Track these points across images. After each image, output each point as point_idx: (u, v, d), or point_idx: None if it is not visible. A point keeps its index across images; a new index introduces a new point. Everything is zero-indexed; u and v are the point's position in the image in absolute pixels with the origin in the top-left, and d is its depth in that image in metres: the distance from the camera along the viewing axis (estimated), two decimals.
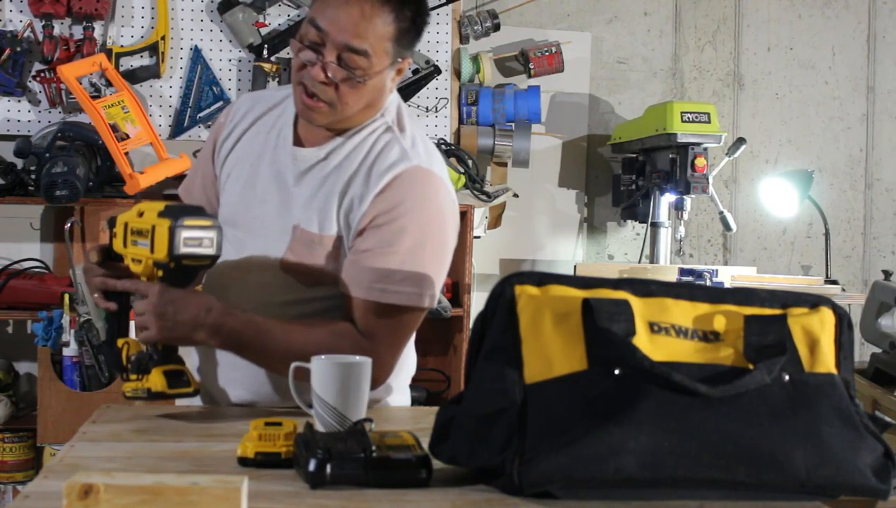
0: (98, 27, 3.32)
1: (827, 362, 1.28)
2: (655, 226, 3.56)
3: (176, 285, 1.62)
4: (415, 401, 3.28)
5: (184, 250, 1.57)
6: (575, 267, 3.49)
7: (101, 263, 1.73)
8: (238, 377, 1.80)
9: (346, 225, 1.75)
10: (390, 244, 1.71)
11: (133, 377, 1.63)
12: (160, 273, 1.61)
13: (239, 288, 1.80)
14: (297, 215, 1.78)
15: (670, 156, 3.41)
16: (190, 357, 1.87)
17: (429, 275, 1.74)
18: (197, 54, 3.41)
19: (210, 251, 1.59)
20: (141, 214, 1.63)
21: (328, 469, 1.23)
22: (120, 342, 1.69)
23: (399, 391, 1.90)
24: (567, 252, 3.84)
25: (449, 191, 1.80)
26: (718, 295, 1.30)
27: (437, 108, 3.57)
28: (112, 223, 1.70)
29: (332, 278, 1.77)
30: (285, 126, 1.85)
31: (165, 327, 1.62)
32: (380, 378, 1.70)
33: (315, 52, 1.70)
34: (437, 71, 3.49)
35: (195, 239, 1.57)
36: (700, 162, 3.35)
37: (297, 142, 1.83)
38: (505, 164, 3.64)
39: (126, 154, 3.08)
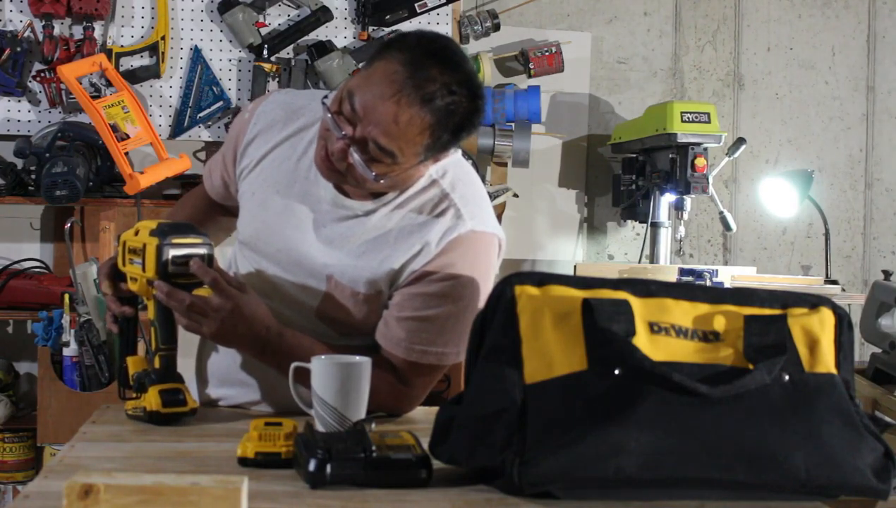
0: (98, 27, 3.32)
1: (827, 362, 1.28)
2: (655, 226, 3.56)
3: None
4: None
5: (172, 268, 1.57)
6: (575, 267, 3.49)
7: (113, 284, 1.72)
8: (243, 379, 1.80)
9: (389, 284, 1.70)
10: (432, 307, 1.67)
11: (133, 395, 1.64)
12: (154, 291, 1.61)
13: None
14: (333, 265, 1.71)
15: (670, 156, 3.41)
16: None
17: (466, 334, 1.69)
18: (197, 54, 3.41)
19: None
20: (137, 232, 1.64)
21: (328, 469, 1.23)
22: (128, 360, 1.69)
23: None
24: (567, 252, 3.84)
25: (496, 244, 1.74)
26: (718, 295, 1.30)
27: None
28: (119, 240, 1.72)
29: (367, 329, 1.74)
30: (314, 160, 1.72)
31: (222, 334, 1.63)
32: (406, 411, 1.77)
33: (343, 124, 1.59)
34: None
35: (183, 257, 1.58)
36: (700, 162, 3.35)
37: (338, 186, 1.73)
38: (505, 164, 3.64)
39: (126, 154, 3.08)
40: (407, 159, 1.60)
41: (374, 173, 1.60)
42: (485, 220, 1.72)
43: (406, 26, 3.51)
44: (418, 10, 3.47)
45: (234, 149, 1.88)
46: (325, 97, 1.64)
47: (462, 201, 1.70)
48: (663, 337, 1.25)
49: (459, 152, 1.79)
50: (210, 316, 1.60)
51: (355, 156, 1.59)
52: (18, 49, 3.23)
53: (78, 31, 3.30)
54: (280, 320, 1.70)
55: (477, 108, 1.62)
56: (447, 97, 1.57)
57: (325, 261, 1.72)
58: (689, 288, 1.31)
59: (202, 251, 1.59)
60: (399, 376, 1.72)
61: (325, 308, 1.73)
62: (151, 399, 1.59)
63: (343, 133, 1.59)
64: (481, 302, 1.65)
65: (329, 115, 1.60)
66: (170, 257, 1.57)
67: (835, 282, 3.51)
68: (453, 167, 1.74)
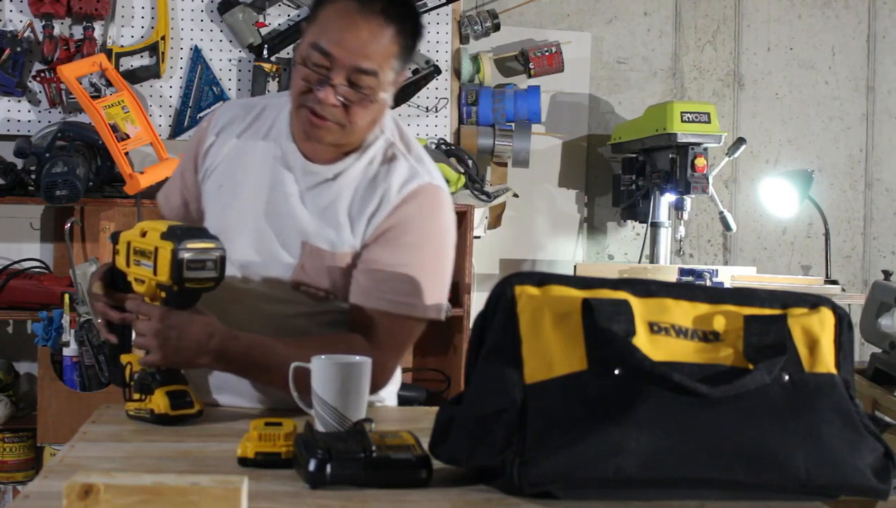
0: (98, 27, 3.32)
1: (827, 362, 1.28)
2: (655, 226, 3.56)
3: (179, 307, 1.61)
4: (415, 401, 3.31)
5: (187, 274, 1.56)
6: (575, 267, 3.49)
7: (106, 286, 1.71)
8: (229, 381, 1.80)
9: (358, 239, 1.77)
10: (404, 258, 1.74)
11: (136, 396, 1.62)
12: (163, 294, 1.60)
13: (249, 302, 1.79)
14: (308, 231, 1.77)
15: (670, 156, 3.41)
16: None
17: (438, 289, 1.79)
18: (197, 54, 3.41)
19: (213, 274, 1.58)
20: (144, 234, 1.62)
21: (328, 469, 1.23)
22: (123, 359, 1.68)
23: (388, 399, 1.96)
24: (567, 252, 3.84)
25: (452, 206, 1.84)
26: (718, 295, 1.30)
27: (437, 108, 3.57)
28: (115, 239, 1.69)
29: (342, 293, 1.79)
30: (284, 140, 1.81)
31: (168, 352, 1.61)
32: (380, 383, 1.74)
33: (321, 75, 1.68)
34: (437, 71, 3.49)
35: (198, 261, 1.57)
36: (700, 162, 3.35)
37: (306, 154, 1.81)
38: (505, 164, 3.64)
39: (126, 154, 3.08)
40: (386, 75, 1.71)
41: (367, 93, 1.69)
42: (435, 175, 1.82)
43: None
44: (418, 10, 3.46)
45: (193, 159, 1.91)
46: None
47: (409, 152, 1.82)
48: (663, 337, 1.25)
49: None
50: (147, 339, 1.60)
51: (341, 90, 1.68)
52: (18, 49, 3.23)
53: (78, 31, 3.30)
54: (257, 299, 1.76)
55: (418, 12, 1.81)
56: (397, 6, 1.72)
57: (301, 228, 1.77)
58: (689, 288, 1.31)
59: (216, 254, 1.58)
60: (371, 339, 1.74)
61: (301, 277, 1.78)
62: (159, 401, 1.58)
63: (326, 77, 1.68)
64: (447, 260, 1.81)
65: (305, 71, 1.69)
66: (185, 260, 1.55)
67: (835, 282, 3.51)
68: (390, 123, 1.85)
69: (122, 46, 3.35)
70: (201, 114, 3.41)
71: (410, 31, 1.74)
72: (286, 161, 1.81)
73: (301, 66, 1.71)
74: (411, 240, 1.75)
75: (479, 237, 3.50)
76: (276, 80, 3.40)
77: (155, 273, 1.58)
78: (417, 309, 1.76)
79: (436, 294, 1.78)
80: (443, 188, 1.82)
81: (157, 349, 1.60)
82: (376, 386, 1.65)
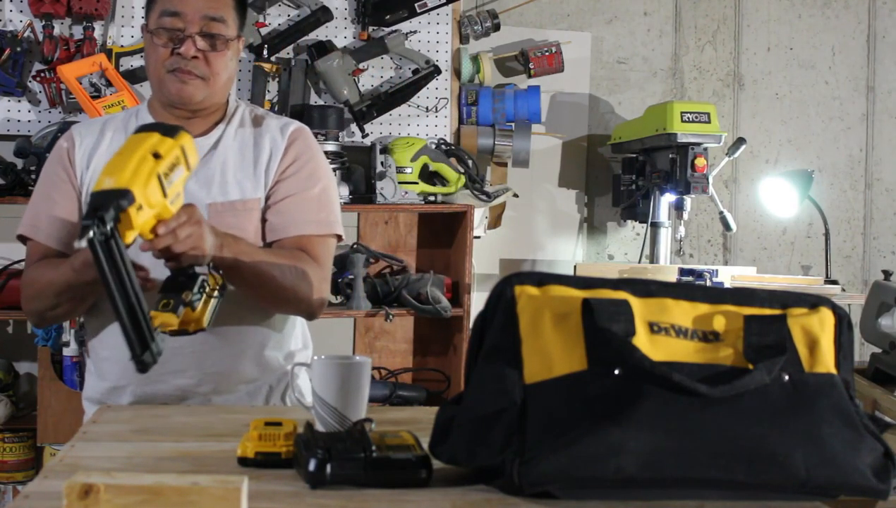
0: (98, 27, 3.32)
1: (827, 362, 1.28)
2: (655, 226, 3.56)
3: None
4: (415, 401, 3.31)
5: None
6: (575, 267, 3.49)
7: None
8: (181, 365, 1.88)
9: (263, 187, 1.95)
10: (310, 185, 1.97)
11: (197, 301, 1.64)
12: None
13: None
14: (211, 194, 1.92)
15: (670, 156, 3.41)
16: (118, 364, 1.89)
17: (337, 209, 2.01)
18: None
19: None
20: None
21: (328, 469, 1.23)
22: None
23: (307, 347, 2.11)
24: (567, 252, 3.84)
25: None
26: (718, 295, 1.30)
27: (437, 108, 3.57)
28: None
29: (259, 243, 1.94)
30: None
31: (210, 239, 1.69)
32: (324, 297, 1.93)
33: (177, 35, 1.90)
34: (437, 71, 3.49)
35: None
36: (700, 162, 3.35)
37: None
38: (505, 164, 3.64)
39: None
40: (230, 26, 1.94)
41: (220, 39, 1.91)
42: (295, 121, 2.08)
43: (406, 26, 3.51)
44: (418, 10, 3.47)
45: (67, 171, 1.97)
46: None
47: (272, 115, 2.06)
48: (663, 337, 1.25)
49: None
50: (193, 236, 1.63)
51: (198, 41, 1.89)
52: (18, 49, 3.23)
53: (78, 31, 3.30)
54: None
55: None
56: None
57: (199, 197, 1.88)
58: (689, 288, 1.31)
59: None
60: (312, 255, 1.92)
61: None
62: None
63: (182, 35, 1.89)
64: (334, 182, 2.05)
65: (162, 38, 1.90)
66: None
67: (835, 282, 3.51)
68: (243, 103, 2.08)
69: (122, 46, 3.35)
70: None
71: None
72: None
73: (156, 38, 1.91)
74: (310, 170, 1.98)
75: (479, 237, 3.50)
76: (276, 79, 3.40)
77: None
78: (334, 226, 1.98)
79: (338, 214, 2.01)
80: (304, 127, 2.04)
81: (205, 237, 1.66)
82: (321, 304, 1.92)
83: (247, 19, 2.06)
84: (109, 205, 1.41)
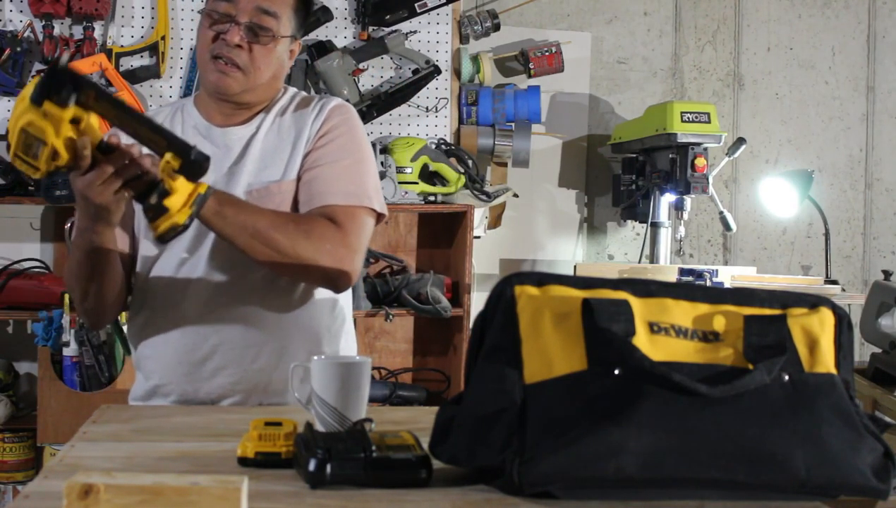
0: (98, 27, 3.32)
1: (826, 362, 1.28)
2: (655, 226, 3.56)
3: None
4: (415, 401, 3.31)
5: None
6: (575, 267, 3.49)
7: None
8: (223, 362, 1.85)
9: (299, 165, 1.91)
10: (342, 155, 1.90)
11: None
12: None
13: (212, 274, 1.86)
14: (247, 181, 1.88)
15: (670, 156, 3.41)
16: (160, 360, 1.90)
17: (376, 186, 1.93)
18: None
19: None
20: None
21: (328, 469, 1.23)
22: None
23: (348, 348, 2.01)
24: (567, 252, 3.84)
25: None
26: (718, 295, 1.30)
27: (437, 108, 3.57)
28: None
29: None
30: (196, 120, 1.94)
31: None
32: (347, 268, 1.82)
33: (226, 19, 1.85)
34: (437, 71, 3.49)
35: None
36: (700, 162, 3.35)
37: (217, 122, 1.94)
38: (505, 164, 3.64)
39: None
40: (284, 24, 1.88)
41: (269, 34, 1.85)
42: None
43: (406, 26, 3.51)
44: (418, 10, 3.47)
45: None
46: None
47: (316, 96, 2.01)
48: (663, 337, 1.25)
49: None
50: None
51: (245, 30, 1.84)
52: (18, 49, 3.23)
53: (78, 31, 3.30)
54: (215, 268, 1.86)
55: None
56: None
57: (239, 185, 1.87)
58: (689, 288, 1.31)
59: None
60: (335, 223, 1.84)
61: None
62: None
63: (231, 24, 1.84)
64: (373, 160, 1.97)
65: (212, 21, 1.85)
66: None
67: (835, 282, 3.51)
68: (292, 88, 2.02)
69: (122, 46, 3.35)
70: None
71: None
72: (207, 135, 1.92)
73: (206, 20, 1.87)
74: (344, 142, 1.91)
75: (479, 237, 3.50)
76: None
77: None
78: (366, 199, 1.88)
79: (377, 189, 1.92)
80: (347, 104, 1.99)
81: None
82: (341, 274, 1.81)
83: (307, 21, 2.01)
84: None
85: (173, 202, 1.61)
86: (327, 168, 1.88)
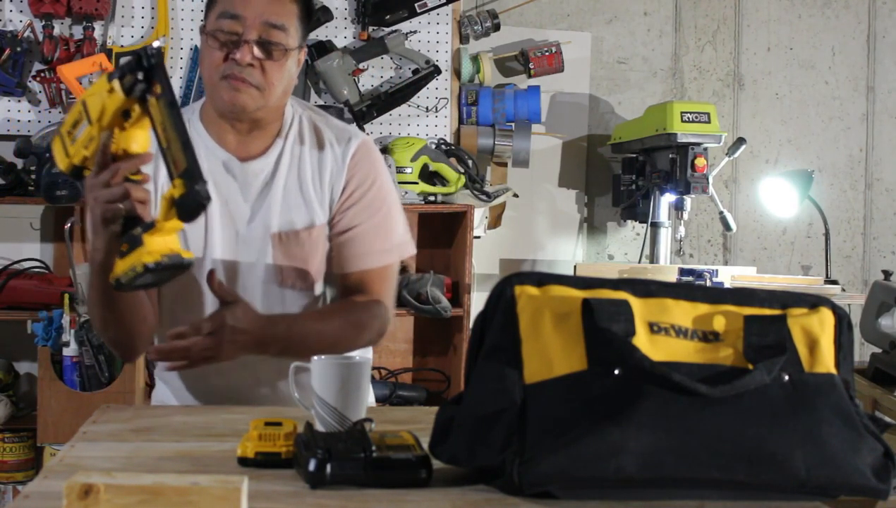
0: (98, 27, 3.32)
1: (826, 362, 1.28)
2: (655, 226, 3.56)
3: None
4: (415, 401, 3.32)
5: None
6: (575, 267, 3.49)
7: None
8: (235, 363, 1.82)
9: (327, 209, 1.90)
10: (373, 214, 1.90)
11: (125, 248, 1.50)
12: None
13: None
14: (275, 224, 1.86)
15: (670, 156, 3.41)
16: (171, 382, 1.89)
17: (403, 227, 1.96)
18: (197, 54, 3.41)
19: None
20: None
21: (328, 469, 1.23)
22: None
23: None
24: (567, 252, 3.84)
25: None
26: (718, 295, 1.30)
27: (437, 108, 3.57)
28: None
29: (325, 268, 1.91)
30: (207, 143, 1.87)
31: (230, 350, 1.68)
32: (386, 329, 1.90)
33: (234, 38, 1.79)
34: (437, 71, 3.49)
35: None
36: (700, 162, 3.35)
37: (238, 156, 1.89)
38: (505, 164, 3.64)
39: None
40: (292, 35, 1.83)
41: (279, 48, 1.80)
42: (358, 132, 2.00)
43: (406, 26, 3.51)
44: (418, 10, 3.47)
45: None
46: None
47: (332, 123, 1.96)
48: (663, 337, 1.25)
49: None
50: (207, 347, 1.65)
51: (256, 48, 1.78)
52: (18, 49, 3.23)
53: (78, 31, 3.30)
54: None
55: None
56: None
57: (265, 224, 1.85)
58: (689, 289, 1.31)
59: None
60: (368, 294, 1.89)
61: (284, 275, 1.87)
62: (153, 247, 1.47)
63: (240, 39, 1.78)
64: (396, 195, 1.98)
65: (218, 42, 1.80)
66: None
67: (835, 282, 3.51)
68: (300, 107, 1.97)
69: (122, 46, 3.35)
70: None
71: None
72: (226, 166, 1.87)
73: (212, 41, 1.81)
74: (372, 197, 1.91)
75: (479, 237, 3.50)
76: None
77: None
78: (397, 253, 1.94)
79: (405, 231, 1.97)
80: (366, 137, 1.97)
81: (223, 347, 1.66)
82: (382, 333, 1.89)
83: (313, 20, 1.99)
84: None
85: (153, 240, 1.47)
86: (360, 229, 1.90)
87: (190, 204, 1.44)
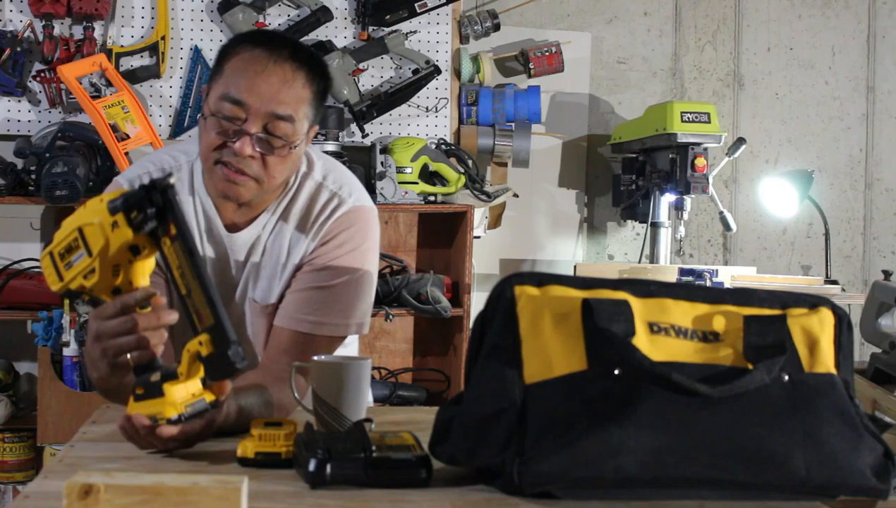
0: (98, 27, 3.32)
1: (826, 362, 1.28)
2: (655, 226, 3.56)
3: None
4: (415, 401, 3.32)
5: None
6: (575, 267, 3.49)
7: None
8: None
9: (292, 276, 1.78)
10: (327, 280, 1.75)
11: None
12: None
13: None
14: (248, 296, 1.80)
15: (670, 156, 3.41)
16: None
17: (357, 304, 1.78)
18: (197, 54, 3.41)
19: None
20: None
21: (328, 469, 1.23)
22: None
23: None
24: (567, 252, 3.84)
25: (376, 216, 1.83)
26: (718, 295, 1.30)
27: (437, 108, 3.57)
28: None
29: None
30: (209, 207, 1.77)
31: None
32: (295, 405, 1.62)
33: (235, 126, 1.64)
34: (437, 71, 3.49)
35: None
36: (700, 162, 3.35)
37: (225, 222, 1.78)
38: (505, 164, 3.64)
39: (126, 154, 3.08)
40: (301, 123, 1.67)
41: (284, 142, 1.65)
42: (361, 196, 1.82)
43: (406, 26, 3.51)
44: (418, 10, 3.47)
45: None
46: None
47: (336, 184, 1.79)
48: (663, 338, 1.25)
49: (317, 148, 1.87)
50: (200, 433, 1.43)
51: (258, 139, 1.63)
52: (18, 49, 3.23)
53: (78, 31, 3.30)
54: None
55: (324, 60, 1.77)
56: (303, 50, 1.70)
57: (242, 291, 1.79)
58: (689, 289, 1.31)
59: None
60: (284, 358, 1.69)
61: (257, 330, 1.81)
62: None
63: (241, 127, 1.63)
64: (370, 276, 1.80)
65: (218, 124, 1.64)
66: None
67: (835, 282, 3.51)
68: (319, 160, 1.82)
69: (122, 46, 3.35)
70: None
71: (320, 75, 1.71)
72: (216, 233, 1.78)
73: (212, 121, 1.65)
74: (337, 265, 1.75)
75: (479, 237, 3.50)
76: None
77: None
78: (328, 328, 1.75)
79: (357, 311, 1.78)
80: (367, 207, 1.81)
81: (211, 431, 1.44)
82: (291, 409, 1.63)
83: (327, 97, 1.78)
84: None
85: (175, 390, 1.36)
86: (310, 290, 1.75)
87: (221, 367, 1.32)
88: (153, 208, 1.31)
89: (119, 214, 1.32)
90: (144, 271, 1.38)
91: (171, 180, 1.32)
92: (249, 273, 1.79)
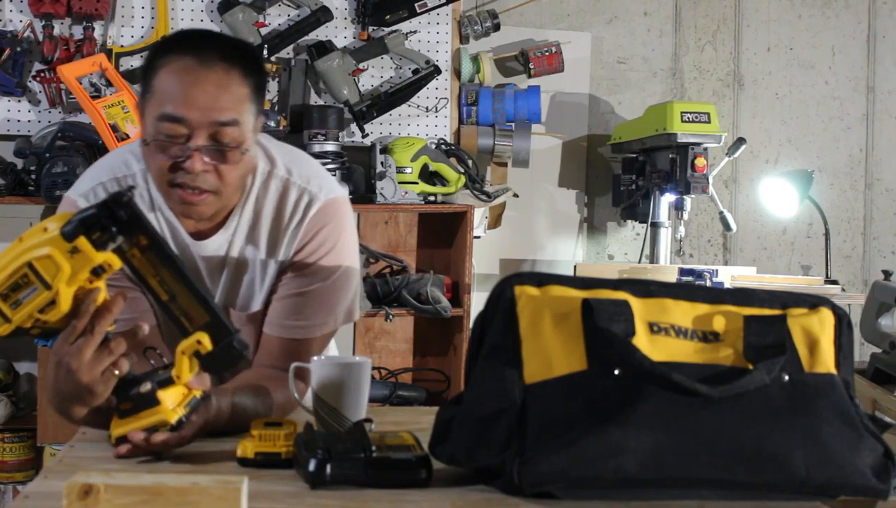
0: (98, 27, 3.32)
1: (826, 362, 1.28)
2: (655, 226, 3.56)
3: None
4: (415, 401, 3.32)
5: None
6: (575, 267, 3.49)
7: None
8: None
9: (276, 274, 1.74)
10: (312, 283, 1.71)
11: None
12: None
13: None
14: (229, 299, 1.75)
15: (670, 156, 3.41)
16: None
17: (343, 298, 1.75)
18: None
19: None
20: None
21: (328, 469, 1.23)
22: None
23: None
24: (567, 252, 3.84)
25: (348, 202, 1.79)
26: (718, 295, 1.30)
27: (437, 108, 3.57)
28: None
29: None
30: (172, 218, 1.70)
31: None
32: (294, 405, 1.62)
33: (180, 144, 1.56)
34: (437, 71, 3.49)
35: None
36: (700, 162, 3.35)
37: (189, 231, 1.72)
38: (505, 164, 3.64)
39: None
40: (247, 123, 1.60)
41: (234, 147, 1.58)
42: (331, 187, 1.76)
43: (406, 26, 3.51)
44: (418, 10, 3.47)
45: None
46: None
47: (304, 179, 1.73)
48: (663, 338, 1.25)
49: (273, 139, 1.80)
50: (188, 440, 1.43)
51: (206, 152, 1.57)
52: (18, 49, 3.23)
53: (78, 31, 3.30)
54: None
55: (255, 49, 1.68)
56: (230, 45, 1.62)
57: (237, 307, 1.74)
58: (689, 289, 1.31)
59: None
60: (278, 365, 1.68)
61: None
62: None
63: (188, 143, 1.56)
64: (352, 269, 1.75)
65: (162, 146, 1.57)
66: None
67: (835, 282, 3.51)
68: (278, 153, 1.75)
69: (122, 46, 3.35)
70: None
71: (253, 68, 1.63)
72: (181, 243, 1.72)
73: (155, 146, 1.57)
74: (318, 266, 1.72)
75: (479, 237, 3.50)
76: (276, 79, 3.40)
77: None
78: (319, 329, 1.73)
79: (340, 305, 1.75)
80: (339, 197, 1.76)
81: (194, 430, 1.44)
82: (293, 408, 1.62)
83: (266, 87, 1.73)
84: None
85: (168, 395, 1.34)
86: (294, 296, 1.72)
87: (228, 358, 1.32)
88: (116, 225, 1.27)
89: (79, 238, 1.27)
90: (104, 288, 1.33)
91: (132, 194, 1.28)
92: (226, 281, 1.74)
